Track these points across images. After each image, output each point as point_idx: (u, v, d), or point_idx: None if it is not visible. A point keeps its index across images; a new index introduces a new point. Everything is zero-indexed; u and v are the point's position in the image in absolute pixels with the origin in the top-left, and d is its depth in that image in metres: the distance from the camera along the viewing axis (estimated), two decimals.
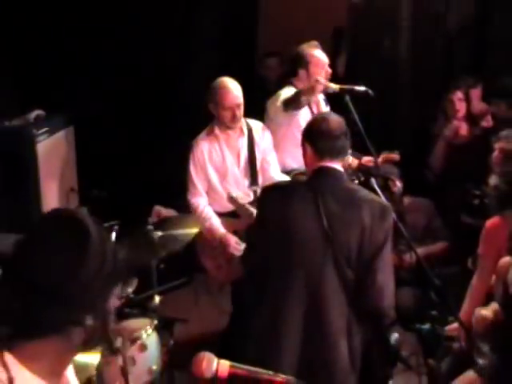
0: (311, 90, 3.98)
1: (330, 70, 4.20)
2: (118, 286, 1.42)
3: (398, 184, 4.23)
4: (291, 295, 2.68)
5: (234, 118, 3.75)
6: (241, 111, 3.79)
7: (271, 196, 2.88)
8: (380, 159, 4.21)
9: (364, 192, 2.69)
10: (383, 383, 3.16)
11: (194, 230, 3.78)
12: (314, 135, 2.69)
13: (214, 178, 3.94)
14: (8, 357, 1.30)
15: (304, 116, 4.06)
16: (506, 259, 2.92)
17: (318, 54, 4.26)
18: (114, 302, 1.43)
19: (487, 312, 3.09)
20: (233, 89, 3.74)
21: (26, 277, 1.30)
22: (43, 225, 1.38)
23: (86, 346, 1.41)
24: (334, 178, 2.63)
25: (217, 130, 3.89)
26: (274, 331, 2.72)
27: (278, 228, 2.71)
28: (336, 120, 2.71)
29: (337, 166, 2.62)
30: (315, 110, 4.21)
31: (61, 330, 1.32)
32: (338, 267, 2.58)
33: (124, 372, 2.70)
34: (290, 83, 4.26)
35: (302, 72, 4.26)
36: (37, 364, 1.33)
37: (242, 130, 3.94)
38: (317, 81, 4.01)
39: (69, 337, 1.33)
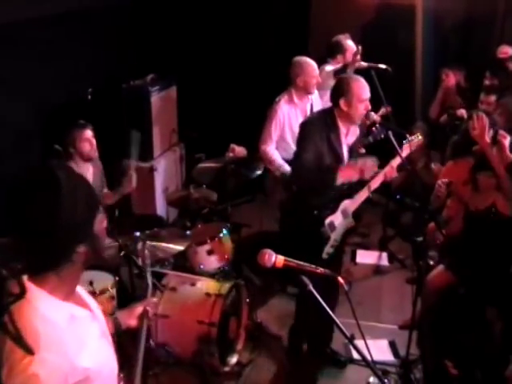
0: (352, 64, 4.67)
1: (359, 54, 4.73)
2: (95, 216, 1.44)
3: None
4: None
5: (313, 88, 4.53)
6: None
7: None
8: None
9: None
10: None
11: (259, 172, 4.49)
12: None
13: (288, 135, 4.58)
14: (27, 282, 1.38)
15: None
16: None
17: (351, 44, 5.02)
18: (100, 226, 1.48)
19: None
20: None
21: (20, 226, 1.35)
22: (22, 184, 1.37)
23: (88, 264, 1.49)
24: None
25: (295, 99, 4.57)
26: None
27: None
28: None
29: None
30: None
31: (59, 263, 1.39)
32: None
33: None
34: (328, 63, 5.02)
35: (339, 56, 5.03)
36: (49, 286, 1.40)
37: (309, 97, 4.68)
38: (355, 58, 4.66)
39: (70, 264, 1.40)
